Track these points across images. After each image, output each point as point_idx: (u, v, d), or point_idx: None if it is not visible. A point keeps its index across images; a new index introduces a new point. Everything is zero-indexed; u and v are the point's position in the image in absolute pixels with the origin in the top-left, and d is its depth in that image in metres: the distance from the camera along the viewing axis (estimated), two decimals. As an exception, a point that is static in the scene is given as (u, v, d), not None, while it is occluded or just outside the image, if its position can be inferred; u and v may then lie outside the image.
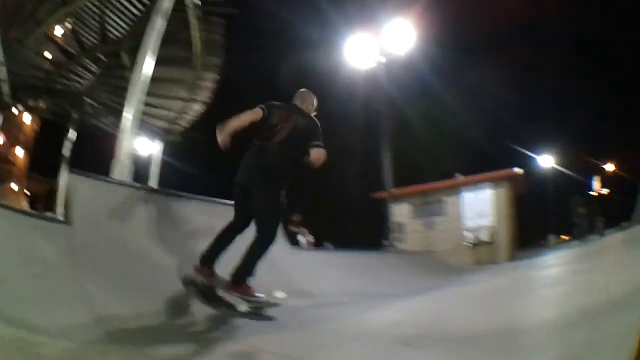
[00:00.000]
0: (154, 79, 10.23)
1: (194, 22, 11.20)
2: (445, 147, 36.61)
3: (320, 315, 4.31)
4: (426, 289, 6.31)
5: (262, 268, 4.19)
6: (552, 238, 33.92)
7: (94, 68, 12.77)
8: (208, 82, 13.23)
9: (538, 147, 36.23)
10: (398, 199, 16.13)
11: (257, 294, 3.58)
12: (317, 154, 3.73)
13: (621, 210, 27.80)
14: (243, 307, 3.60)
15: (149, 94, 11.00)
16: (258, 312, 3.61)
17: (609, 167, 46.40)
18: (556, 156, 39.74)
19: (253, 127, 3.74)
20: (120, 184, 5.28)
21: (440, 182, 17.83)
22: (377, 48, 14.84)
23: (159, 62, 9.89)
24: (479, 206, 16.34)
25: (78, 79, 12.98)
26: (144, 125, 12.87)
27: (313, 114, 4.10)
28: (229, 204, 4.11)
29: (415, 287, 6.56)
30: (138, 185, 5.41)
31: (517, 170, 17.30)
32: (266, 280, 4.24)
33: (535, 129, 55.23)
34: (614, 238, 17.50)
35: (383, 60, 14.80)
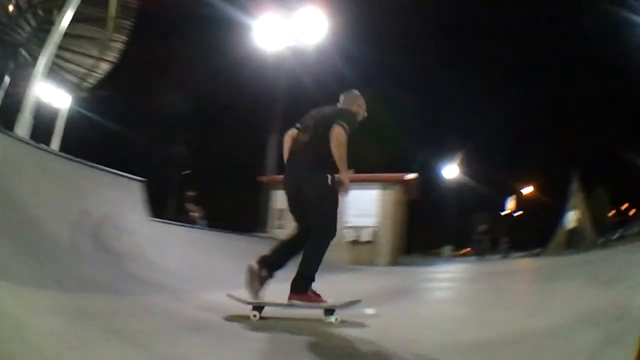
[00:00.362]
0: (71, 34, 10.91)
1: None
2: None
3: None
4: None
5: (121, 236, 4.97)
6: (447, 249, 34.60)
7: (32, 22, 13.37)
8: (118, 44, 14.03)
9: (447, 157, 38.07)
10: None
11: (324, 300, 3.43)
12: (330, 133, 3.55)
13: (534, 234, 29.78)
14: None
15: (64, 48, 11.65)
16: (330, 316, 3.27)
17: (528, 189, 47.66)
18: (468, 169, 42.21)
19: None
20: (19, 139, 5.34)
21: None
22: (287, 33, 15.76)
23: (77, 20, 10.56)
24: (364, 205, 15.87)
25: (20, 31, 13.48)
26: (55, 77, 13.38)
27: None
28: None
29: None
30: (33, 142, 5.65)
31: (410, 175, 17.47)
32: (116, 247, 4.90)
33: (446, 137, 55.30)
34: (519, 262, 18.18)
35: (292, 45, 15.93)
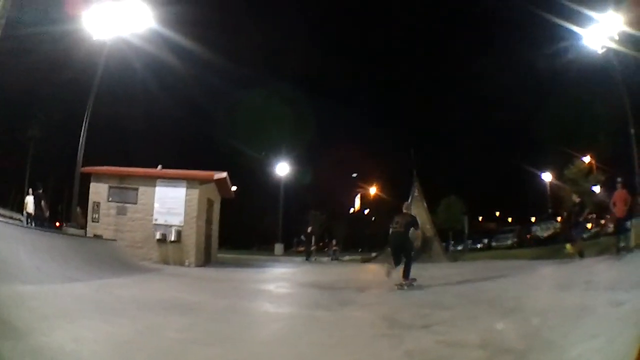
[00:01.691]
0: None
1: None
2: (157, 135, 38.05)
3: None
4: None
5: None
6: (279, 247, 34.99)
7: None
8: None
9: (286, 156, 39.81)
10: (99, 177, 15.92)
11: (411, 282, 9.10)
12: (414, 232, 9.74)
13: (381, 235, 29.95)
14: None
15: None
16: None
17: (373, 189, 50.38)
18: (309, 168, 44.54)
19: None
20: None
21: (137, 169, 17.00)
22: (117, 21, 15.98)
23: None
24: (172, 203, 15.65)
25: None
26: None
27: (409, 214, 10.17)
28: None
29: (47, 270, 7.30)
30: None
31: (219, 174, 17.37)
32: None
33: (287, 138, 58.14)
34: (330, 268, 19.63)
35: (122, 34, 16.30)
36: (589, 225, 26.22)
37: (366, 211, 57.09)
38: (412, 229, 9.42)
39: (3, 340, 3.38)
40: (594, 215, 26.55)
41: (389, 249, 10.21)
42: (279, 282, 11.56)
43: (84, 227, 15.66)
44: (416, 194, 24.98)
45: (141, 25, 16.77)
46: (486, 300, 6.82)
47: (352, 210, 56.35)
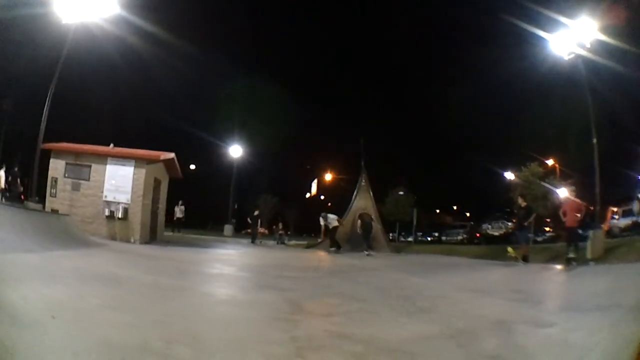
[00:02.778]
0: None
1: None
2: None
3: None
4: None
5: None
6: (228, 228, 35.92)
7: None
8: None
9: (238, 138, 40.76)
10: (57, 154, 16.64)
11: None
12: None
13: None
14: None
15: None
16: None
17: (328, 175, 50.53)
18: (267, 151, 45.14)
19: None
20: None
21: (90, 146, 17.66)
22: (84, 5, 16.79)
23: None
24: (120, 181, 16.39)
25: None
26: None
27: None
28: None
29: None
30: None
31: (167, 154, 18.35)
32: None
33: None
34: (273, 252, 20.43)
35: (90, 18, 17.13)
36: (547, 229, 27.54)
37: (322, 197, 58.16)
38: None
39: None
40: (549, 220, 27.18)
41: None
42: (214, 263, 12.42)
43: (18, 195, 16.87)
44: (363, 183, 26.22)
45: (107, 10, 17.62)
46: (402, 297, 7.29)
47: (308, 195, 57.29)
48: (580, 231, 13.45)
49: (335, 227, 22.12)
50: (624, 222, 23.33)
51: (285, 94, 64.08)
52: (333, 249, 21.19)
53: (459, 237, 34.05)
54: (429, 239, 37.54)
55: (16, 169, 19.52)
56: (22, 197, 20.72)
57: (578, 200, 13.71)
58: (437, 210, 60.04)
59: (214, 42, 63.36)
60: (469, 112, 52.90)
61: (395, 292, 7.90)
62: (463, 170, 53.28)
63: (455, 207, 63.63)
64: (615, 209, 24.86)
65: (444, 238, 35.59)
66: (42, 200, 16.79)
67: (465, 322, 5.24)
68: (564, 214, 13.36)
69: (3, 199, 18.05)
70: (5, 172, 19.76)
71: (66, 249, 10.02)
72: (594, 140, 17.51)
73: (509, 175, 31.06)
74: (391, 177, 42.30)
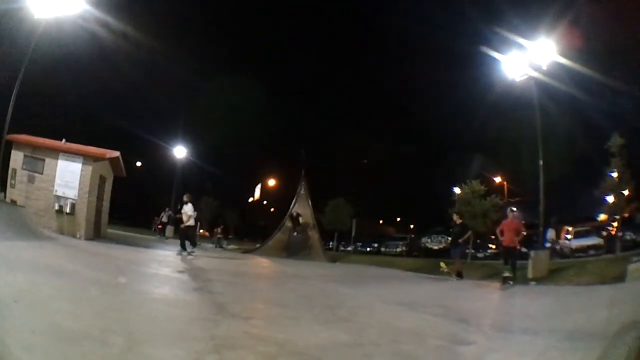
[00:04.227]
0: None
1: None
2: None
3: None
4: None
5: None
6: (169, 229, 35.24)
7: None
8: None
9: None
10: (18, 145, 17.32)
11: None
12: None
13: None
14: None
15: None
16: None
17: (271, 181, 52.77)
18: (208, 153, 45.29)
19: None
20: None
21: (45, 140, 18.36)
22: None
23: None
24: (69, 177, 17.07)
25: None
26: None
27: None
28: None
29: None
30: None
31: (112, 153, 19.07)
32: None
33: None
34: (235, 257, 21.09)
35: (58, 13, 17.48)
36: (492, 246, 28.04)
37: (265, 202, 58.74)
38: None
39: None
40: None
41: None
42: (152, 264, 12.79)
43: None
44: (302, 192, 27.51)
45: (76, 7, 18.04)
46: (325, 305, 7.65)
47: (251, 199, 57.87)
48: (520, 250, 13.48)
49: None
50: (577, 243, 23.00)
51: (234, 97, 64.99)
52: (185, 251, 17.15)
53: (398, 249, 34.60)
54: (368, 249, 37.55)
55: None
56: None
57: (517, 220, 13.59)
58: (381, 221, 61.04)
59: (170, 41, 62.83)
60: (422, 125, 54.99)
61: (320, 301, 8.21)
62: (410, 182, 54.52)
63: (398, 219, 64.52)
64: (569, 229, 25.30)
65: (383, 249, 36.12)
66: (3, 190, 17.40)
67: (378, 333, 5.52)
68: (501, 233, 13.36)
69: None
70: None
71: (22, 240, 10.89)
72: (540, 162, 17.67)
73: (457, 190, 32.03)
74: (333, 186, 44.08)
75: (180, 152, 40.61)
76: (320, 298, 8.73)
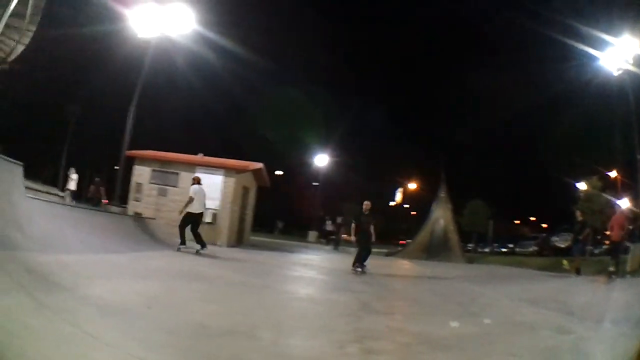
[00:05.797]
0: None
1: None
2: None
3: None
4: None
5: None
6: (312, 234, 37.33)
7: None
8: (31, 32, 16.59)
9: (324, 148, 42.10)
10: (142, 161, 17.78)
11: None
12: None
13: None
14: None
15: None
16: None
17: (412, 185, 52.67)
18: (350, 160, 45.96)
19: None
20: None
21: (179, 155, 18.92)
22: (161, 21, 17.73)
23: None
24: (209, 189, 16.15)
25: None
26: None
27: (368, 211, 12.37)
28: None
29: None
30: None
31: (256, 164, 19.30)
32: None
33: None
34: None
35: (166, 33, 18.03)
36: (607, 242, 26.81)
37: (405, 206, 58.66)
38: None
39: (54, 294, 4.46)
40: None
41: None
42: (295, 266, 13.19)
43: (99, 202, 19.25)
44: (442, 194, 27.18)
45: (184, 26, 18.65)
46: (457, 302, 7.96)
47: (392, 203, 57.34)
48: (624, 244, 13.45)
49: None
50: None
51: (371, 105, 64.62)
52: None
53: (530, 249, 34.35)
54: (503, 250, 36.69)
55: (97, 179, 21.15)
56: (105, 201, 22.03)
57: (623, 214, 13.81)
58: (517, 221, 58.42)
59: (294, 58, 64.07)
60: (541, 123, 51.28)
61: (454, 299, 8.59)
62: (542, 182, 51.22)
63: (533, 219, 61.55)
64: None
65: (517, 249, 35.63)
66: (124, 204, 18.09)
67: (501, 326, 5.92)
68: (611, 228, 13.39)
69: (74, 201, 19.67)
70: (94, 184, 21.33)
71: (152, 250, 11.10)
72: (638, 157, 18.05)
73: (581, 186, 30.31)
74: (470, 187, 42.48)
75: (322, 159, 42.01)
76: (454, 296, 9.17)
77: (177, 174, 17.71)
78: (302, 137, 46.45)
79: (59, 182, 30.66)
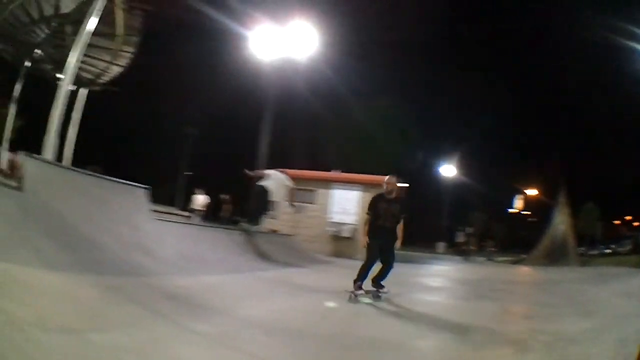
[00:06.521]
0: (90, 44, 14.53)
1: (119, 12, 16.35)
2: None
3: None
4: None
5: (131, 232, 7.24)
6: (440, 245, 37.90)
7: (45, 30, 17.64)
8: (127, 53, 18.37)
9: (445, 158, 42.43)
10: None
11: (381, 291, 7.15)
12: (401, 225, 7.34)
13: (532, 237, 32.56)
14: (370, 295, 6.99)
15: (85, 54, 15.25)
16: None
17: (532, 191, 52.03)
18: (468, 169, 45.04)
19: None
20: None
21: (315, 172, 19.49)
22: (282, 44, 18.33)
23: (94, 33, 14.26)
24: (346, 204, 17.85)
25: (34, 35, 17.84)
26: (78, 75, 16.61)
27: (394, 195, 7.38)
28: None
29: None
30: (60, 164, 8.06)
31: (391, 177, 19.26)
32: (127, 240, 6.86)
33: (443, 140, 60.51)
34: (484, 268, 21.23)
35: (287, 56, 18.58)
36: None
37: (525, 212, 58.09)
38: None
39: (205, 319, 4.49)
40: None
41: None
42: (433, 277, 13.82)
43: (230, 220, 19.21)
44: (562, 199, 27.65)
45: (309, 48, 19.27)
46: (579, 302, 8.44)
47: (510, 210, 56.42)
48: None
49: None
50: None
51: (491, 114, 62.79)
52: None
53: (627, 248, 35.75)
54: (606, 251, 37.99)
55: (228, 196, 22.12)
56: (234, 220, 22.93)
57: None
58: (616, 222, 55.69)
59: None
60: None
61: (575, 299, 9.06)
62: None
63: (628, 217, 57.23)
64: None
65: (619, 249, 37.10)
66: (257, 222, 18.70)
67: (611, 319, 6.54)
68: None
69: (203, 220, 20.47)
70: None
71: (298, 267, 11.48)
72: None
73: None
74: (583, 190, 42.55)
75: (449, 170, 42.57)
76: (575, 297, 9.54)
77: (313, 190, 18.48)
78: (425, 149, 46.34)
79: (177, 202, 33.45)
